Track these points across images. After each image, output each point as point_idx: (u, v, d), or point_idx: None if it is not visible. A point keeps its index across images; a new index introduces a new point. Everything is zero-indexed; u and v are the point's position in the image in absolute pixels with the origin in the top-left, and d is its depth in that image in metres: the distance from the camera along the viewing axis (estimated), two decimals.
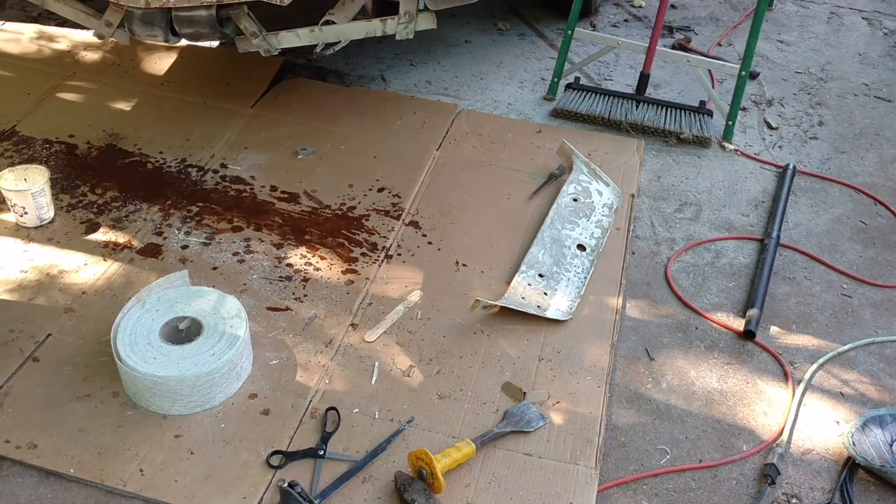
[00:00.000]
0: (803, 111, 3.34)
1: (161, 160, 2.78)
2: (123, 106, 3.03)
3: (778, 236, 2.65)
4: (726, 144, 3.09)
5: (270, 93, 3.15)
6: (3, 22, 3.48)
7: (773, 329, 2.36)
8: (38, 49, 3.32)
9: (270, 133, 2.94)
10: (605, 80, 3.45)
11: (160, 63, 3.27)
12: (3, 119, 2.90)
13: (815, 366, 2.25)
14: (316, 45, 2.75)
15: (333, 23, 2.54)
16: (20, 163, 2.64)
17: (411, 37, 2.49)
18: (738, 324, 2.36)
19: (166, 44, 2.80)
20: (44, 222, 2.46)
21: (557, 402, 2.07)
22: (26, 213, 2.42)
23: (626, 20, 3.90)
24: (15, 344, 2.11)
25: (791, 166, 2.95)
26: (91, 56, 3.29)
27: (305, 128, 2.98)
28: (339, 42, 2.71)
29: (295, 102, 3.12)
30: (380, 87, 3.30)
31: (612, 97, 3.20)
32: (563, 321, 2.29)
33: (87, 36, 3.26)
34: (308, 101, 3.13)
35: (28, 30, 3.43)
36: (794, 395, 2.17)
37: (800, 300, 2.46)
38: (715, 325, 2.36)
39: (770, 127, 3.23)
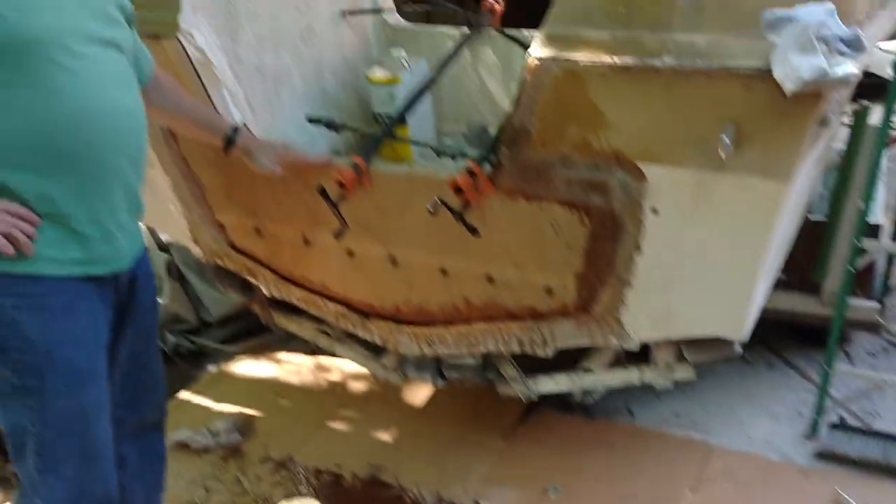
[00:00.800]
0: None
1: (418, 494, 2.89)
2: (385, 436, 3.26)
3: None
4: None
5: (520, 426, 3.26)
6: (287, 353, 3.97)
7: None
8: (314, 379, 3.73)
9: (520, 468, 2.99)
10: (873, 416, 3.21)
11: (419, 394, 3.53)
12: (282, 448, 3.19)
13: None
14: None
15: (590, 370, 2.65)
16: (294, 495, 2.86)
17: (670, 387, 2.53)
18: None
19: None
20: None
21: None
22: None
23: (884, 348, 3.70)
24: None
25: None
26: (358, 385, 3.63)
27: (554, 463, 3.00)
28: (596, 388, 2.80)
29: (544, 436, 3.18)
30: (626, 421, 3.29)
31: (885, 439, 2.95)
32: None
33: (355, 367, 3.62)
34: (556, 435, 3.19)
35: (307, 361, 3.88)
36: None
37: None
38: None
39: None
